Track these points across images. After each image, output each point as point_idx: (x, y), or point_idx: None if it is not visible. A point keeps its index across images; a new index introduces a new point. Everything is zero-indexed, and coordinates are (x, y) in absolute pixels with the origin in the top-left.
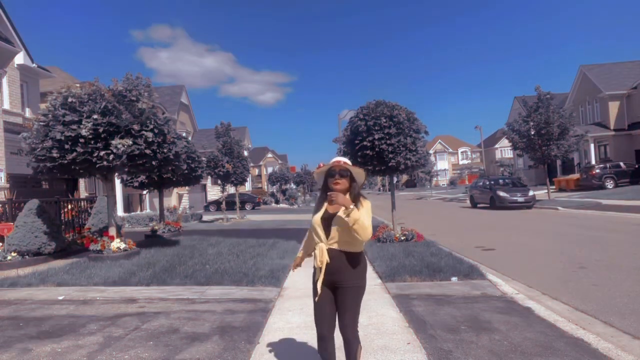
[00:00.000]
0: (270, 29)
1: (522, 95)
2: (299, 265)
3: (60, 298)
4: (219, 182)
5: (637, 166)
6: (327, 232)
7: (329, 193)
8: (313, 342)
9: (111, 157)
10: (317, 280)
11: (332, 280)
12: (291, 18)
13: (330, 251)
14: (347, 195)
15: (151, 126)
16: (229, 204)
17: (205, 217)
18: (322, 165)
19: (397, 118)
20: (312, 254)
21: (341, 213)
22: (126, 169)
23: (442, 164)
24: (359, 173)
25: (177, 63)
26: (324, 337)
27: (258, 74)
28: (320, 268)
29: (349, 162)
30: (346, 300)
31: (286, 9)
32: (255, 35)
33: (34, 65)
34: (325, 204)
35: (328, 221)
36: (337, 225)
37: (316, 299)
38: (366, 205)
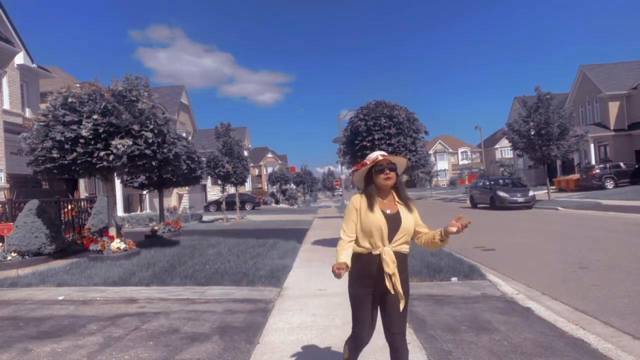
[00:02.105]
0: (268, 30)
1: (522, 96)
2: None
3: (60, 298)
4: (219, 182)
5: (637, 166)
6: (391, 233)
7: (460, 225)
8: (313, 342)
9: (111, 157)
10: (394, 287)
11: (387, 285)
12: (289, 19)
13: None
14: (394, 193)
15: (151, 126)
16: (229, 204)
17: (205, 217)
18: (364, 164)
19: (397, 118)
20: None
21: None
22: (126, 170)
23: (442, 164)
24: (401, 162)
25: (176, 63)
26: (363, 344)
27: (257, 74)
28: (390, 274)
29: (386, 154)
30: (398, 306)
31: (284, 10)
32: (253, 36)
33: (34, 65)
34: (377, 202)
35: (392, 222)
36: (412, 228)
37: (368, 307)
38: (416, 208)
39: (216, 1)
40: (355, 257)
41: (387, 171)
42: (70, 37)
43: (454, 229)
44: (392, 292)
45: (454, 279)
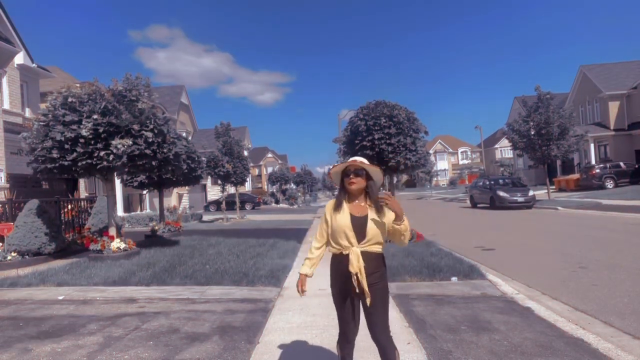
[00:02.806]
0: (267, 29)
1: (522, 95)
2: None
3: (60, 298)
4: (219, 182)
5: (637, 166)
6: (358, 235)
7: (383, 196)
8: (313, 341)
9: (111, 157)
10: (359, 286)
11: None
12: (288, 18)
13: (362, 254)
14: (364, 196)
15: (151, 126)
16: (229, 204)
17: (205, 217)
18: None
19: (397, 118)
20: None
21: (387, 219)
22: (126, 169)
23: (442, 164)
24: (375, 171)
25: (175, 63)
26: (351, 343)
27: (256, 74)
28: (357, 273)
29: (365, 160)
30: (377, 304)
31: (283, 10)
32: (252, 35)
33: (34, 65)
34: (346, 206)
35: (358, 224)
36: (381, 230)
37: (344, 304)
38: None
39: (215, 1)
40: (332, 257)
41: (352, 176)
42: (70, 37)
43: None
44: (357, 290)
45: (454, 278)
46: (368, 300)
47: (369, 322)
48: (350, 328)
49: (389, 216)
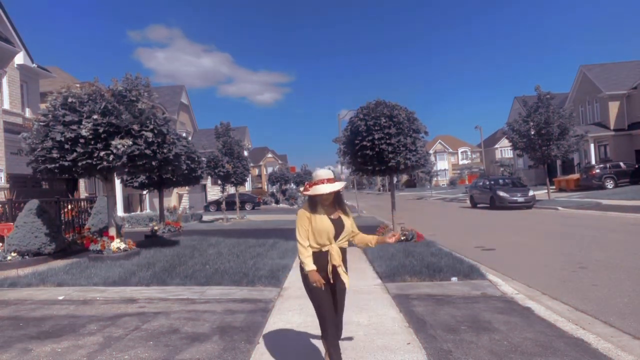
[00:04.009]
0: (266, 29)
1: (522, 95)
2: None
3: (60, 298)
4: (219, 182)
5: (637, 166)
6: (336, 234)
7: (394, 236)
8: (313, 341)
9: (111, 157)
10: (334, 273)
11: (336, 273)
12: (288, 19)
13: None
14: (333, 202)
15: (151, 126)
16: (229, 204)
17: (205, 217)
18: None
19: (397, 118)
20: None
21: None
22: (126, 170)
23: (442, 164)
24: (342, 184)
25: (174, 63)
26: (330, 323)
27: (256, 74)
28: (337, 265)
29: (331, 174)
30: (344, 289)
31: (283, 10)
32: (252, 35)
33: (34, 65)
34: (322, 210)
35: (336, 225)
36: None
37: (325, 293)
38: (351, 212)
39: (214, 1)
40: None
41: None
42: (70, 37)
43: (391, 240)
44: (341, 278)
45: (454, 278)
46: (347, 284)
47: (336, 303)
48: (330, 312)
49: (351, 218)
